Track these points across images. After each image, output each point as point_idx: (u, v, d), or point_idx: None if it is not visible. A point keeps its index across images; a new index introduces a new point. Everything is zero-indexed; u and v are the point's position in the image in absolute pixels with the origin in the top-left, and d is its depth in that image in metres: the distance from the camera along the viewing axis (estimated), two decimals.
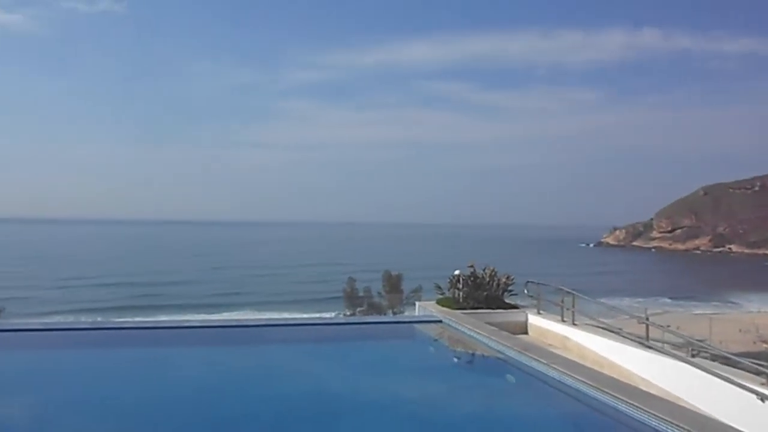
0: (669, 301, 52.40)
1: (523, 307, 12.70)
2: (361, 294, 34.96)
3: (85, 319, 24.16)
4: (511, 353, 8.88)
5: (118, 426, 6.44)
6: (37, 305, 35.55)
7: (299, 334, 11.66)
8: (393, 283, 34.74)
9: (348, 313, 32.63)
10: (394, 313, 30.83)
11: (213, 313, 34.96)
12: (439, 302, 12.93)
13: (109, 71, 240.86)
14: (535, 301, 12.57)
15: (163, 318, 25.64)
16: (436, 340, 11.49)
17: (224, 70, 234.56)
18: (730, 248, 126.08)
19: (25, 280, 48.41)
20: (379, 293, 34.44)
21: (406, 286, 32.91)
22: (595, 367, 8.33)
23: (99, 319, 25.19)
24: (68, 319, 25.37)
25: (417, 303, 13.58)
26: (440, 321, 11.57)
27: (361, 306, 34.76)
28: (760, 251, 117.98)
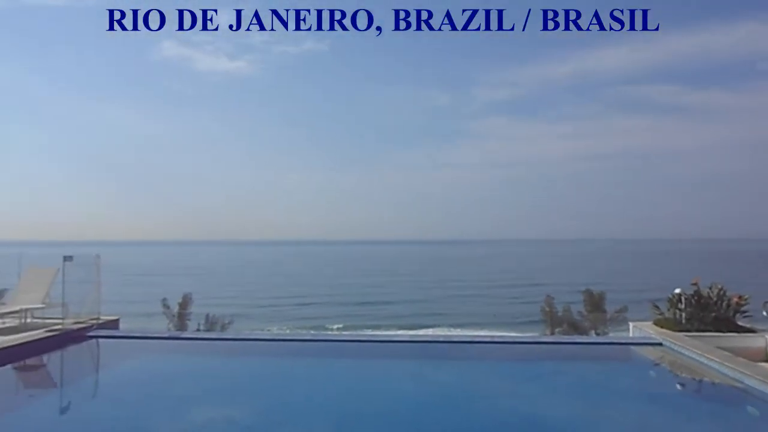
0: None
1: (762, 331, 11.09)
2: (560, 313, 33.40)
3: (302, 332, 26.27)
4: (753, 382, 7.76)
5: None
6: (255, 320, 39.63)
7: (507, 351, 11.46)
8: (595, 302, 32.65)
9: (547, 333, 31.37)
10: (597, 334, 28.92)
11: (408, 327, 36.14)
12: (656, 323, 11.84)
13: (313, 104, 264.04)
14: None
15: (373, 332, 27.24)
16: (656, 364, 10.48)
17: (418, 94, 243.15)
18: None
19: (243, 298, 54.16)
20: (579, 313, 32.61)
21: (608, 306, 30.87)
22: None
23: (312, 332, 27.29)
24: (286, 332, 27.79)
25: (631, 323, 12.55)
26: (660, 344, 10.57)
27: (560, 326, 33.17)
28: None
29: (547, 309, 34.39)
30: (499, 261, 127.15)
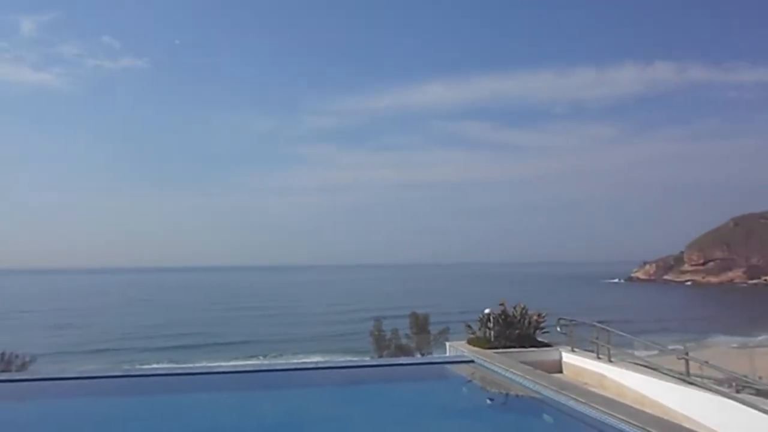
0: (715, 335, 50.66)
1: (556, 345, 12.39)
2: (388, 336, 34.52)
3: (114, 368, 24.21)
4: (548, 392, 8.62)
5: None
6: (68, 356, 35.98)
7: (329, 377, 11.48)
8: (420, 324, 34.23)
9: (376, 356, 32.15)
10: (422, 355, 30.29)
11: (239, 357, 35.12)
12: (470, 342, 12.71)
13: (131, 124, 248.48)
14: (568, 339, 12.27)
15: (192, 364, 25.84)
16: (468, 380, 11.22)
17: (244, 119, 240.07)
18: (766, 279, 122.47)
19: (51, 331, 48.85)
20: (406, 335, 33.94)
21: (433, 327, 32.52)
22: (636, 406, 8.03)
23: (126, 367, 25.25)
24: (98, 368, 25.47)
25: (447, 343, 13.35)
26: (472, 361, 11.34)
27: (388, 348, 34.26)
28: None
29: (376, 333, 35.28)
30: (320, 286, 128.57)
